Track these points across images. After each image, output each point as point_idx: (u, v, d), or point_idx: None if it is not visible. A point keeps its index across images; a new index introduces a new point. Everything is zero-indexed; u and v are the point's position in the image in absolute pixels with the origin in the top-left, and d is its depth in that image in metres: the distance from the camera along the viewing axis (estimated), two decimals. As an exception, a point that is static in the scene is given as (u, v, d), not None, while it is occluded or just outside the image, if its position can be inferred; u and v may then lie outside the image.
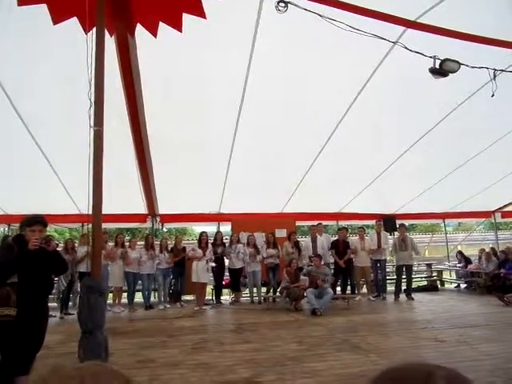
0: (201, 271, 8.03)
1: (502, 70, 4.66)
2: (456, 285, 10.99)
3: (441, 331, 5.49)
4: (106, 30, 3.87)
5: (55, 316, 7.47)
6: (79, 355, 3.15)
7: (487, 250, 10.37)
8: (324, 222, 10.06)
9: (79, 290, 5.84)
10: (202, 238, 8.46)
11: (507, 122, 6.97)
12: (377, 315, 7.09)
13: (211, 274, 8.53)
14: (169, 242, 9.26)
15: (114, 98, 5.00)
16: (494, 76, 4.49)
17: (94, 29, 3.66)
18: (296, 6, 3.89)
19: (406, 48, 4.31)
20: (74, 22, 4.18)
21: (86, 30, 3.77)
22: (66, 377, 0.62)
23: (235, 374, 3.89)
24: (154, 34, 4.46)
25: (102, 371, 0.66)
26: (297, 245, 8.90)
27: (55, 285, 7.69)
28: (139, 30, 4.55)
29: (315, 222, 9.76)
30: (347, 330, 5.71)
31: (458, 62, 4.31)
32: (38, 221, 3.18)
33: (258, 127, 6.66)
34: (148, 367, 4.15)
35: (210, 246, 8.50)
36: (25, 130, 6.07)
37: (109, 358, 3.24)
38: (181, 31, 4.39)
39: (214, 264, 8.43)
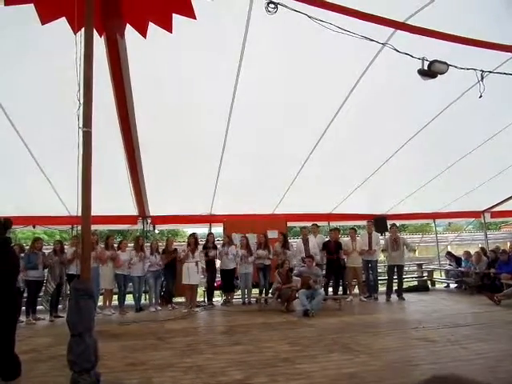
0: (191, 273, 8.01)
1: (490, 72, 4.72)
2: (446, 285, 11.05)
3: (432, 331, 5.53)
4: (95, 31, 3.83)
5: (44, 319, 7.40)
6: (68, 359, 3.11)
7: (472, 251, 10.43)
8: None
9: (68, 292, 5.76)
10: (190, 240, 8.42)
11: (495, 123, 7.07)
12: (368, 316, 7.11)
13: (202, 276, 8.50)
14: (160, 244, 9.20)
15: (103, 99, 4.97)
16: (482, 77, 4.54)
17: (83, 29, 3.62)
18: (285, 6, 3.90)
19: (395, 49, 4.33)
20: (62, 22, 4.13)
21: (75, 30, 3.73)
22: None
23: (227, 376, 3.87)
24: (144, 35, 4.43)
25: None
26: (284, 245, 8.91)
27: (43, 288, 7.62)
28: (129, 30, 4.52)
29: (307, 223, 9.79)
30: (339, 331, 5.72)
31: (446, 63, 4.35)
32: None
33: (248, 128, 6.66)
34: (138, 370, 4.11)
35: (199, 247, 8.46)
36: (12, 130, 5.99)
37: (98, 361, 3.20)
38: (171, 32, 4.36)
39: (204, 266, 8.41)
